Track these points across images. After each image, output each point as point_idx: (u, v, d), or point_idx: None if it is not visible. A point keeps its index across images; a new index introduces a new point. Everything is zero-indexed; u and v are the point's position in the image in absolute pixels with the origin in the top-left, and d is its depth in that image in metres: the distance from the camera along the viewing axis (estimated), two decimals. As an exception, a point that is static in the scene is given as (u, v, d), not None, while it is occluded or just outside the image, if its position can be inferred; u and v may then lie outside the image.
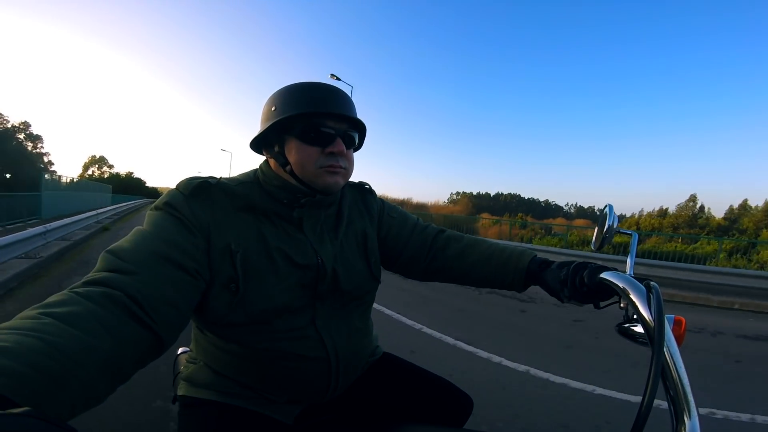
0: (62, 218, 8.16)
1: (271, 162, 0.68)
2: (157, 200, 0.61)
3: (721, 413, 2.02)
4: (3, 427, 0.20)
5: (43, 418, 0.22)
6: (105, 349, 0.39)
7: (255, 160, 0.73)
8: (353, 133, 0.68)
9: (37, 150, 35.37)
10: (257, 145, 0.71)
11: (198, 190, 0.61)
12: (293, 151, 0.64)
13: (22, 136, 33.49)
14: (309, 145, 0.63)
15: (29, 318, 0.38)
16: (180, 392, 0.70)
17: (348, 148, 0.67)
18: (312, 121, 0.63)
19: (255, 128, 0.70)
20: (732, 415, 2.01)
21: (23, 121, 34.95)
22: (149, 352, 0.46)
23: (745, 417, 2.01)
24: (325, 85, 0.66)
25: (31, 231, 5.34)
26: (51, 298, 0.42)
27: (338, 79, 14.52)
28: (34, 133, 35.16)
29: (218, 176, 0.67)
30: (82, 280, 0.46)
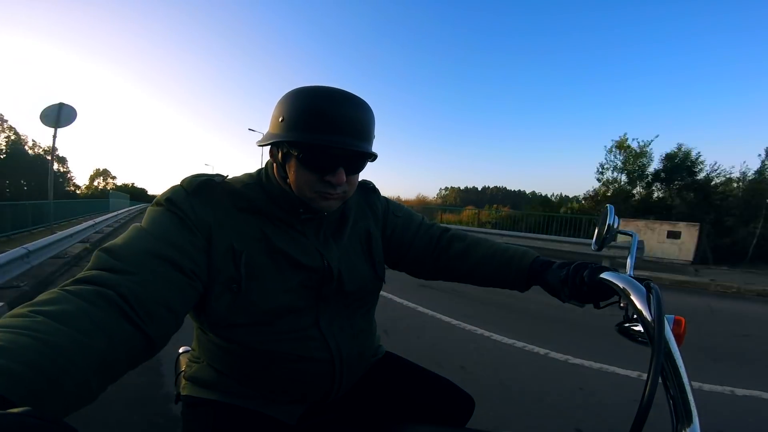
0: (117, 210, 19.23)
1: (276, 167, 0.65)
2: (160, 195, 0.60)
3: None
4: (3, 427, 0.20)
5: (43, 417, 0.22)
6: (98, 348, 0.39)
7: (241, 173, 0.71)
8: (361, 159, 0.62)
9: (64, 169, 41.13)
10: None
11: (201, 188, 0.60)
12: (292, 170, 0.61)
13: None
14: (307, 170, 0.59)
15: (21, 316, 0.37)
16: (183, 392, 0.70)
17: (352, 173, 0.62)
18: (315, 147, 0.58)
19: (241, 137, 0.69)
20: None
21: (50, 145, 39.02)
22: (141, 353, 0.46)
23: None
24: (343, 103, 0.58)
25: (113, 214, 11.78)
26: (42, 296, 0.41)
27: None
28: (60, 155, 41.19)
29: (224, 175, 0.66)
30: (73, 278, 0.46)
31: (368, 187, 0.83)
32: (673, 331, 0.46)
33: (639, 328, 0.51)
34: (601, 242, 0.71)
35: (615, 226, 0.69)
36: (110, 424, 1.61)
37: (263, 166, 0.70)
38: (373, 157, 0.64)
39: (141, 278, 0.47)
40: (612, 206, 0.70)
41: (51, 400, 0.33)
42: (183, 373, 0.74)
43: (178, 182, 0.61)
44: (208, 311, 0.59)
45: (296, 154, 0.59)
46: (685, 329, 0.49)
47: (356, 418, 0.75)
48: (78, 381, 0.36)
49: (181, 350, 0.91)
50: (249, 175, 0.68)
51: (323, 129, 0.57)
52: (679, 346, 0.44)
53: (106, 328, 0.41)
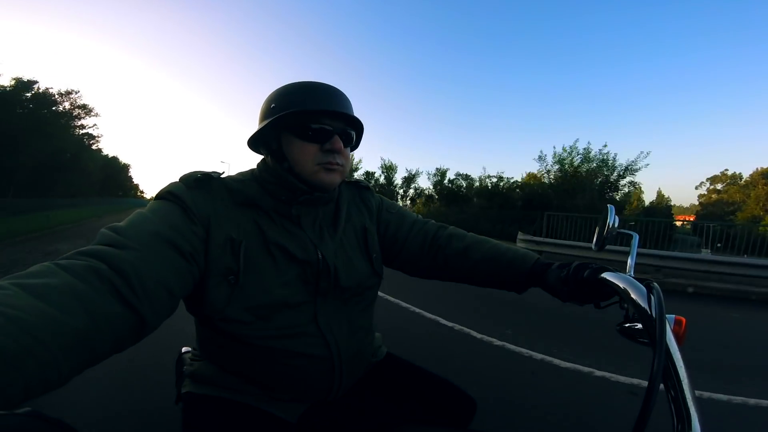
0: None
1: (269, 160, 0.69)
2: (160, 190, 0.62)
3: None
4: (4, 427, 0.21)
5: (44, 417, 0.22)
6: (76, 326, 0.36)
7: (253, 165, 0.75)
8: (350, 131, 0.69)
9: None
10: (255, 143, 0.71)
11: (200, 182, 0.62)
12: (291, 148, 0.65)
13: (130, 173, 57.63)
14: (307, 142, 0.64)
15: None
16: (184, 389, 0.70)
17: (345, 146, 0.67)
18: (310, 119, 0.64)
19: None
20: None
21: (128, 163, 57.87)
22: (129, 334, 0.44)
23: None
24: (324, 84, 0.68)
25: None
26: (32, 268, 0.40)
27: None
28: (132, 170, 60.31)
29: (220, 172, 0.68)
30: (72, 252, 0.44)
31: (362, 186, 0.85)
32: (674, 331, 0.46)
33: (640, 327, 0.51)
34: (602, 242, 0.71)
35: (615, 226, 0.69)
36: (110, 425, 1.61)
37: (255, 166, 0.73)
38: (360, 129, 0.72)
39: (143, 255, 0.48)
40: (612, 206, 0.70)
41: (6, 380, 0.30)
42: (184, 372, 0.74)
43: (177, 179, 0.64)
44: (204, 303, 0.59)
45: (293, 129, 0.64)
46: (686, 329, 0.49)
47: (357, 419, 0.75)
48: (43, 361, 0.33)
49: (183, 350, 0.90)
50: (243, 173, 0.72)
51: (313, 100, 0.64)
52: (679, 346, 0.44)
53: (90, 304, 0.39)
